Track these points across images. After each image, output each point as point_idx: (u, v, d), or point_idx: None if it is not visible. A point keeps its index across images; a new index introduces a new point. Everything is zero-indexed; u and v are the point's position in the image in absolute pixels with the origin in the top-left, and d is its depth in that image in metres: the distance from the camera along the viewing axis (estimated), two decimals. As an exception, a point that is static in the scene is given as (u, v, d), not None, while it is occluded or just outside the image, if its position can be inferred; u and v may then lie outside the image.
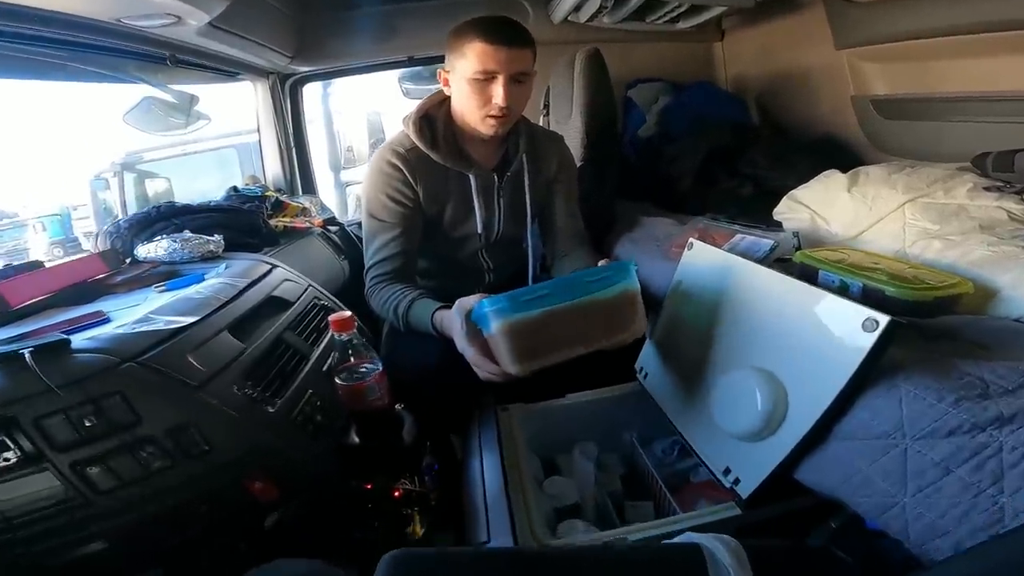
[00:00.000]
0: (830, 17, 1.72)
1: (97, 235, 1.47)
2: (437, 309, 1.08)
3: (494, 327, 0.83)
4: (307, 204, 2.11)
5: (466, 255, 1.36)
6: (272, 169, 2.40)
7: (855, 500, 0.68)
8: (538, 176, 1.35)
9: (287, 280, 1.19)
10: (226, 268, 1.16)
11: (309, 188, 2.46)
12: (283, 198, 2.04)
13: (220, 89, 2.28)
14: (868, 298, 0.84)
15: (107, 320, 0.91)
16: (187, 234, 1.32)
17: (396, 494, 1.01)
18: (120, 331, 0.78)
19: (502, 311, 0.82)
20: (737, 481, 0.81)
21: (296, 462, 0.82)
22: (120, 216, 4.03)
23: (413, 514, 1.07)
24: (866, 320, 0.66)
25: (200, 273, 1.14)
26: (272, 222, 1.83)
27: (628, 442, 1.19)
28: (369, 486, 0.90)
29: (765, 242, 1.05)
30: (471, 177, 1.25)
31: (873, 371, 0.67)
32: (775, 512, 0.79)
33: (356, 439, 0.88)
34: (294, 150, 2.40)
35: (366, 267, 1.25)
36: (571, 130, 1.71)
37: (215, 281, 1.06)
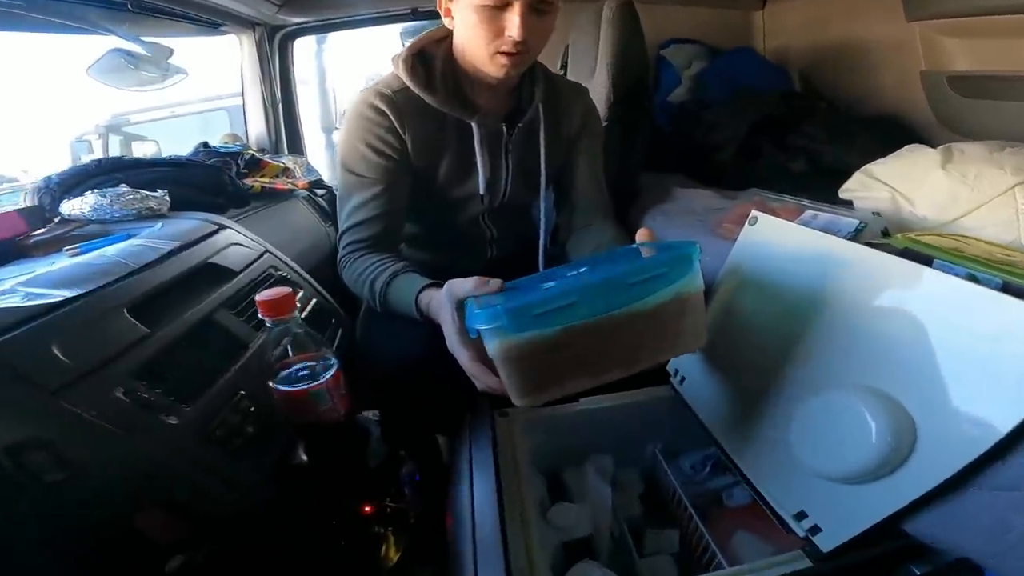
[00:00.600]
0: None
1: (26, 192, 1.23)
2: (424, 287, 0.85)
3: (492, 348, 0.59)
4: (290, 164, 1.88)
5: (464, 221, 1.13)
6: (256, 128, 2.18)
7: (1001, 566, 0.50)
8: (557, 131, 1.12)
9: (236, 244, 0.96)
10: (161, 228, 0.93)
11: (297, 149, 2.24)
12: (261, 156, 1.80)
13: (208, 48, 2.12)
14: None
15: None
16: (122, 188, 1.09)
17: (366, 510, 0.82)
18: None
19: (503, 329, 0.56)
20: (816, 530, 0.60)
21: (212, 490, 0.59)
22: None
23: (387, 535, 0.87)
24: None
25: (125, 234, 0.92)
26: (248, 182, 1.60)
27: (650, 454, 1.01)
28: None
29: (847, 221, 0.81)
30: (474, 126, 1.01)
31: None
32: (849, 563, 0.59)
33: (304, 458, 0.65)
34: (280, 107, 2.18)
35: (339, 232, 1.02)
36: (595, 87, 1.47)
37: (135, 243, 0.83)
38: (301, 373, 0.61)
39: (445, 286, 0.73)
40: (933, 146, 1.18)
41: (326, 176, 2.07)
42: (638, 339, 0.62)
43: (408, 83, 0.97)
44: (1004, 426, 0.46)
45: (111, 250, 0.79)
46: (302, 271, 1.05)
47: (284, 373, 0.60)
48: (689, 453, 0.98)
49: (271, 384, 0.59)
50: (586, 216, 1.17)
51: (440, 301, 0.75)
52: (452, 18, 0.96)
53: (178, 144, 4.22)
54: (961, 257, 0.67)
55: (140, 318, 0.66)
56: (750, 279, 0.78)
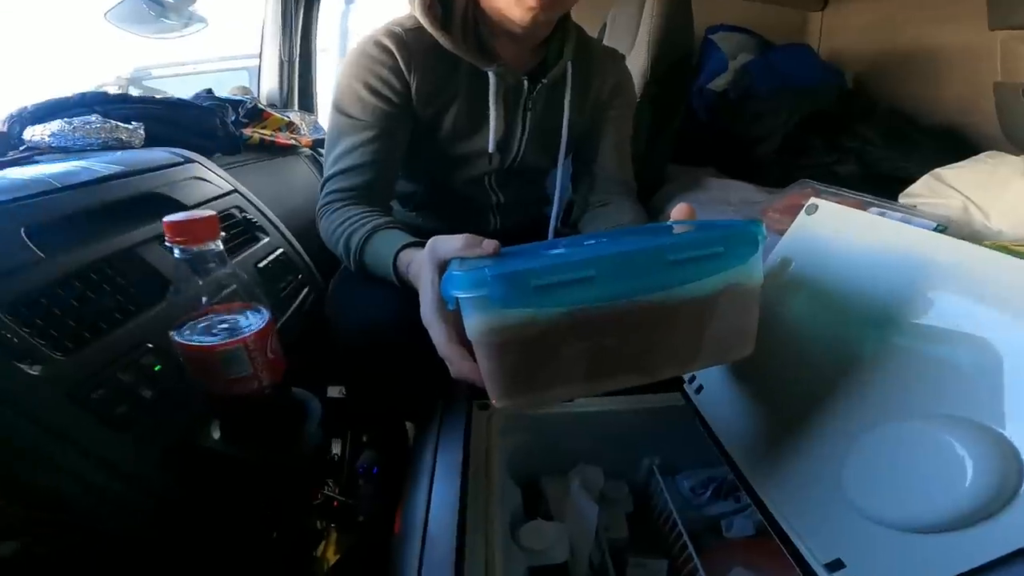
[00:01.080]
0: None
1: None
2: (405, 245, 0.72)
3: (471, 325, 0.42)
4: (296, 119, 1.75)
5: (467, 182, 0.99)
6: (269, 84, 2.08)
7: None
8: (585, 94, 0.98)
9: (199, 179, 0.82)
10: (118, 156, 0.81)
11: (307, 107, 2.14)
12: (265, 106, 1.68)
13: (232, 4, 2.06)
14: None
15: None
16: (91, 117, 0.97)
17: (299, 502, 0.75)
18: None
19: (488, 301, 0.39)
20: None
21: (72, 467, 0.45)
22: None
23: (329, 531, 0.76)
24: None
25: (76, 158, 0.80)
26: (247, 131, 1.49)
27: (645, 469, 0.90)
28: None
29: (921, 222, 0.66)
30: (491, 75, 0.88)
31: None
32: None
33: (216, 436, 0.52)
34: (297, 63, 2.09)
35: (322, 180, 0.89)
36: (631, 62, 1.33)
37: (72, 164, 0.70)
38: (221, 327, 0.48)
39: (428, 243, 0.59)
40: None
41: None
42: (669, 337, 0.45)
43: (422, 21, 0.85)
44: None
45: (41, 168, 0.66)
46: (275, 219, 0.92)
47: (195, 323, 0.47)
48: (690, 472, 0.88)
49: (173, 336, 0.46)
50: (605, 193, 1.03)
51: (421, 262, 0.61)
52: None
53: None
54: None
55: (40, 242, 0.53)
56: (802, 277, 0.63)
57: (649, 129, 1.29)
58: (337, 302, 0.84)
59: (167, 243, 0.45)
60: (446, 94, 0.89)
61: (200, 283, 0.47)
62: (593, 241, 0.58)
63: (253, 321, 0.49)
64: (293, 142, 1.63)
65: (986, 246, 0.57)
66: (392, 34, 0.84)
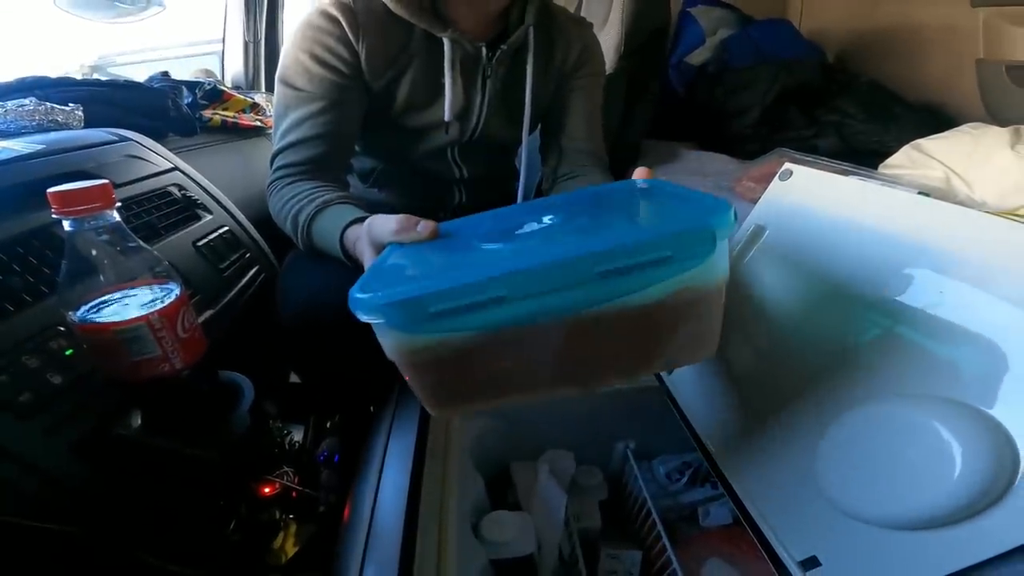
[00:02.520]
0: None
1: None
2: (353, 221, 0.67)
3: (383, 343, 0.39)
4: (261, 100, 1.68)
5: (427, 155, 0.94)
6: (233, 66, 2.04)
7: None
8: (549, 62, 0.94)
9: (135, 158, 0.77)
10: (47, 136, 0.76)
11: (273, 89, 2.06)
12: (225, 88, 1.61)
13: None
14: None
15: None
16: (25, 101, 0.91)
17: (266, 491, 0.70)
18: None
19: (390, 327, 0.37)
20: None
21: None
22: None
23: (287, 522, 0.72)
24: None
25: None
26: (206, 114, 1.42)
27: (620, 454, 0.86)
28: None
29: (905, 190, 0.62)
30: (445, 41, 0.83)
31: None
32: None
33: (134, 424, 0.47)
34: (263, 44, 2.03)
35: (271, 155, 0.84)
36: (605, 34, 1.30)
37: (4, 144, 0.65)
38: (122, 305, 0.42)
39: (366, 223, 0.55)
40: None
41: None
42: (611, 347, 0.40)
43: None
44: None
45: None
46: (223, 197, 0.86)
47: (95, 301, 0.42)
48: (666, 457, 0.85)
49: (69, 316, 0.41)
50: (574, 164, 0.98)
51: (364, 241, 0.57)
52: None
53: (169, 88, 4.07)
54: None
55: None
56: (776, 249, 0.58)
57: (624, 103, 1.25)
58: (284, 280, 0.79)
59: (54, 215, 0.39)
60: (399, 63, 0.85)
61: (96, 256, 0.41)
62: (531, 227, 0.48)
63: (158, 296, 0.44)
64: (258, 123, 1.57)
65: (1005, 214, 0.54)
66: (339, 3, 0.80)
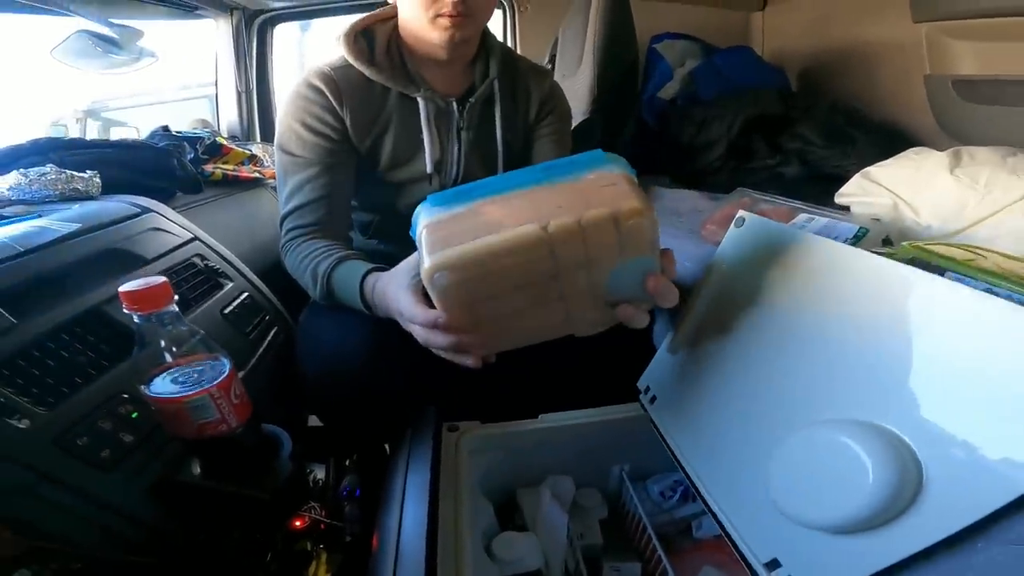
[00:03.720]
0: None
1: None
2: (370, 271, 0.76)
3: (421, 224, 0.55)
4: (258, 152, 1.77)
5: (415, 205, 1.02)
6: (228, 116, 2.10)
7: None
8: (515, 111, 1.03)
9: (158, 230, 0.85)
10: (76, 210, 0.83)
11: (269, 138, 2.14)
12: (225, 141, 1.69)
13: (189, 32, 2.07)
14: None
15: None
16: (47, 168, 0.98)
17: (297, 524, 0.74)
18: None
19: (427, 206, 0.56)
20: None
21: (65, 504, 0.49)
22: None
23: (318, 552, 0.77)
24: None
25: (36, 214, 0.82)
26: (207, 168, 1.50)
27: (615, 477, 0.93)
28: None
29: (846, 226, 0.71)
30: (420, 100, 0.92)
31: None
32: None
33: (195, 472, 0.55)
34: (255, 94, 2.10)
35: (280, 220, 0.92)
36: (579, 80, 1.40)
37: (32, 224, 0.73)
38: (186, 378, 0.50)
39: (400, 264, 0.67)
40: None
41: None
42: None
43: (348, 58, 0.90)
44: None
45: (6, 231, 0.68)
46: (238, 262, 0.94)
47: (161, 377, 0.50)
48: (658, 477, 0.91)
49: (143, 390, 0.49)
50: None
51: (388, 278, 0.68)
52: None
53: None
54: (977, 270, 0.58)
55: (10, 307, 0.56)
56: (733, 288, 0.67)
57: (600, 143, 1.31)
58: (304, 336, 0.87)
59: (125, 310, 0.48)
60: (379, 124, 0.94)
61: (161, 342, 0.50)
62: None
63: (216, 372, 0.52)
64: (256, 175, 1.65)
65: (914, 246, 0.63)
66: (322, 74, 0.89)
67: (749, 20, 2.23)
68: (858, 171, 1.11)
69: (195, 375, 0.51)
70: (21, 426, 0.48)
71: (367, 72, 0.90)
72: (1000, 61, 1.36)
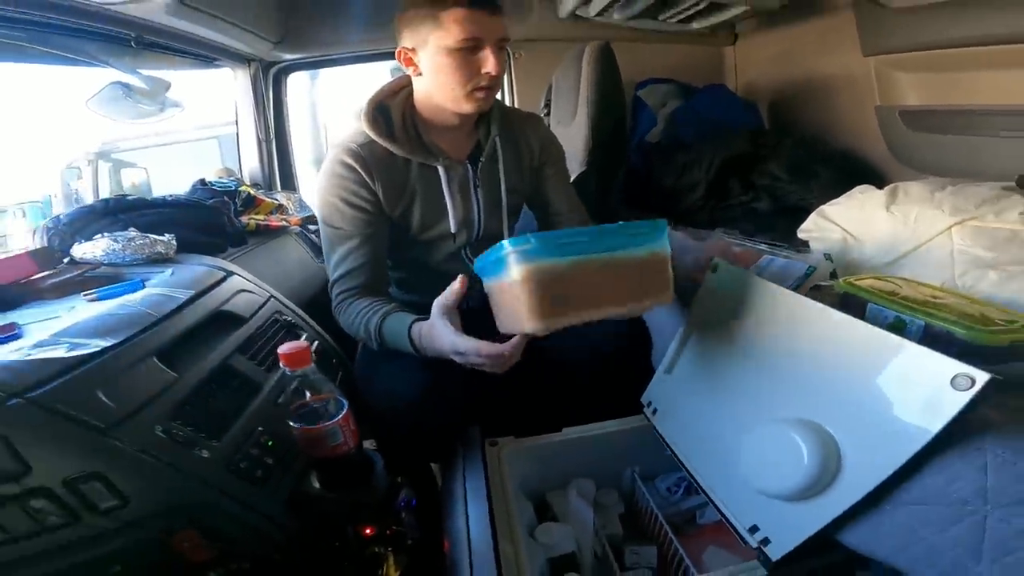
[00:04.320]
0: (860, 22, 1.61)
1: (35, 231, 1.28)
2: (414, 321, 0.93)
3: (516, 271, 0.69)
4: (284, 201, 1.95)
5: (445, 259, 1.18)
6: (249, 163, 2.25)
7: (914, 569, 0.59)
8: (518, 162, 1.19)
9: (244, 291, 1.03)
10: (172, 275, 1.00)
11: (289, 184, 2.31)
12: (256, 193, 1.87)
13: (200, 77, 2.13)
14: (931, 339, 0.71)
15: (17, 335, 0.76)
16: (131, 232, 1.14)
17: (367, 532, 0.88)
18: (12, 357, 0.63)
19: (529, 253, 0.68)
20: (766, 541, 0.69)
21: (236, 515, 0.67)
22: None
23: (386, 555, 0.95)
24: (958, 377, 0.53)
25: (139, 280, 0.98)
26: (243, 219, 1.68)
27: (629, 478, 1.09)
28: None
29: (799, 265, 0.91)
30: (440, 169, 1.08)
31: (957, 432, 0.56)
32: (805, 569, 0.70)
33: (316, 485, 0.73)
34: (274, 143, 2.26)
35: (330, 283, 1.08)
36: (575, 131, 1.58)
37: (152, 291, 0.90)
38: (316, 414, 0.69)
39: (433, 306, 0.87)
40: (889, 181, 1.25)
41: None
42: (628, 281, 0.73)
43: (371, 135, 1.04)
44: (909, 450, 0.56)
45: (134, 299, 0.86)
46: (304, 315, 1.13)
47: (301, 412, 0.69)
48: (664, 476, 1.07)
49: (291, 423, 0.67)
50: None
51: (431, 323, 0.87)
52: (415, 66, 1.02)
53: (167, 171, 4.31)
54: (893, 301, 0.78)
55: (168, 363, 0.75)
56: (712, 322, 0.88)
57: (596, 190, 1.50)
58: (368, 378, 1.03)
59: (283, 365, 0.67)
60: (407, 194, 1.08)
61: (304, 388, 0.70)
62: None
63: (338, 408, 0.71)
64: (283, 223, 1.82)
65: (846, 282, 0.82)
66: (351, 152, 1.03)
67: (723, 55, 2.39)
68: (820, 203, 1.28)
69: (325, 410, 0.70)
70: (203, 455, 0.67)
71: (390, 147, 1.04)
72: (940, 92, 1.48)
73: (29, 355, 0.63)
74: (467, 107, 1.01)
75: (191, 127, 4.33)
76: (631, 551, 0.97)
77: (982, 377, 0.52)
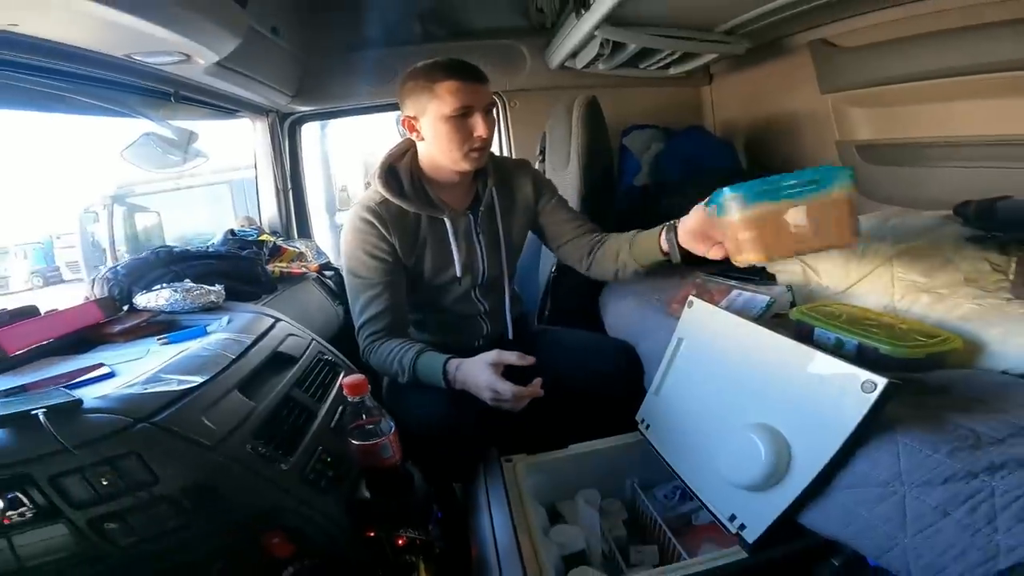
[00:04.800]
0: (816, 62, 1.75)
1: (93, 281, 1.41)
2: (449, 358, 1.10)
3: (737, 213, 0.88)
4: (303, 249, 2.11)
5: (455, 301, 1.35)
6: (268, 211, 2.40)
7: (858, 542, 0.72)
8: (515, 207, 1.35)
9: (291, 335, 1.19)
10: (229, 322, 1.15)
11: (305, 231, 2.47)
12: (280, 243, 2.04)
13: (214, 125, 2.26)
14: (863, 355, 0.88)
15: (112, 375, 0.91)
16: (188, 284, 1.30)
17: (400, 542, 1.00)
18: (131, 390, 0.79)
19: (746, 197, 0.87)
20: (743, 527, 0.83)
21: (309, 518, 0.82)
22: (107, 251, 4.04)
23: (417, 562, 1.05)
24: (865, 382, 0.70)
25: (202, 326, 1.14)
26: (269, 267, 1.83)
27: (630, 488, 1.21)
28: (371, 533, 0.91)
29: (761, 298, 1.08)
30: (446, 221, 1.25)
31: (872, 427, 0.71)
32: (779, 554, 0.83)
33: (367, 493, 0.89)
34: (291, 192, 2.42)
35: (357, 327, 1.24)
36: (568, 178, 1.74)
37: (221, 337, 1.06)
38: (371, 432, 0.86)
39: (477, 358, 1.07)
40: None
41: (331, 256, 2.28)
42: (824, 221, 0.88)
43: (385, 195, 1.21)
44: (837, 441, 0.72)
45: (209, 343, 1.02)
46: (340, 354, 1.28)
47: (358, 431, 0.86)
48: (662, 485, 1.20)
49: (351, 440, 0.84)
50: (588, 242, 1.38)
51: (476, 365, 1.06)
52: (417, 132, 1.20)
53: (179, 215, 4.49)
54: (835, 325, 0.95)
55: (246, 395, 0.91)
56: (689, 349, 1.05)
57: None
58: (399, 406, 1.16)
59: (346, 394, 0.84)
60: (419, 245, 1.25)
61: (361, 411, 0.86)
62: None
63: (388, 426, 0.87)
64: (304, 270, 1.99)
65: (800, 310, 0.98)
66: (370, 209, 1.21)
67: (700, 94, 2.56)
68: None
69: (378, 429, 0.86)
70: (283, 468, 0.83)
71: (401, 204, 1.21)
72: (888, 126, 1.61)
73: (146, 388, 0.79)
74: (465, 166, 1.19)
75: (205, 172, 4.52)
76: (635, 550, 1.09)
77: (882, 381, 0.68)
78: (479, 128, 1.15)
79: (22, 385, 0.86)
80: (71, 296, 1.39)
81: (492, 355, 1.06)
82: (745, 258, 0.91)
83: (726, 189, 0.87)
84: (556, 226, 1.40)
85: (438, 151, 1.19)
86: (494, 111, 1.20)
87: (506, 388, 1.01)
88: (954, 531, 0.63)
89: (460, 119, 1.14)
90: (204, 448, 0.75)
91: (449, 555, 1.04)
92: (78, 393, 0.76)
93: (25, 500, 0.65)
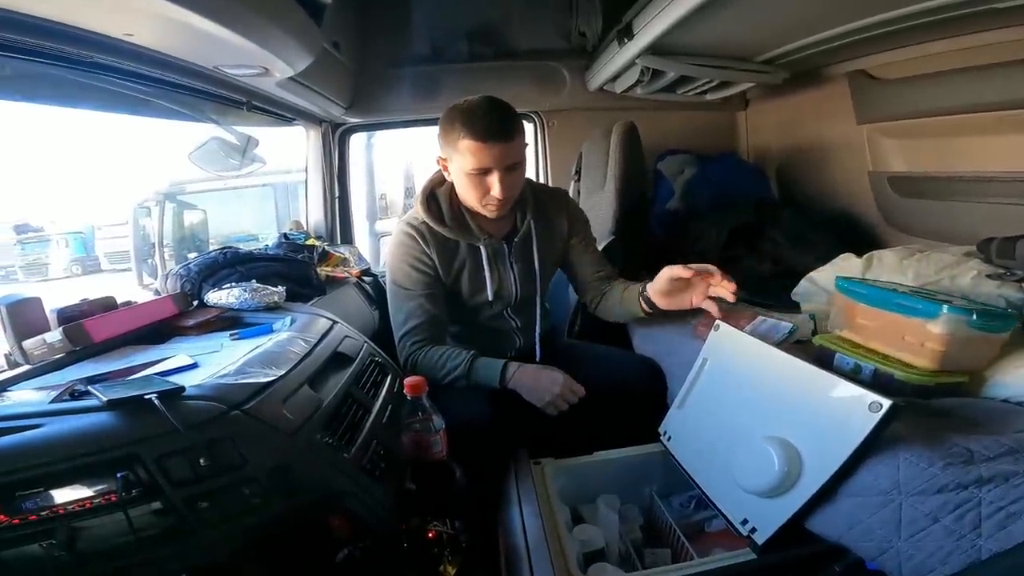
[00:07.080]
0: (853, 92, 1.78)
1: (167, 276, 1.53)
2: (507, 363, 1.22)
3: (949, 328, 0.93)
4: (347, 254, 2.24)
5: (491, 318, 1.43)
6: (315, 215, 2.52)
7: (858, 545, 0.79)
8: (551, 237, 1.43)
9: (347, 337, 1.28)
10: (292, 323, 1.26)
11: (348, 237, 2.59)
12: (327, 248, 2.17)
13: (268, 131, 2.34)
14: (878, 380, 0.97)
15: (195, 365, 1.03)
16: (254, 284, 1.41)
17: (430, 535, 1.05)
18: (223, 380, 0.89)
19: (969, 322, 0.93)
20: (754, 530, 0.90)
21: (366, 504, 0.92)
22: (155, 245, 4.25)
23: (444, 555, 1.09)
24: (872, 403, 0.78)
25: (268, 325, 1.25)
26: (318, 270, 1.96)
27: (647, 496, 1.27)
28: (404, 526, 0.97)
29: (785, 325, 1.16)
30: (481, 247, 1.33)
31: (877, 442, 0.79)
32: (786, 557, 0.89)
33: (413, 485, 0.99)
34: (338, 199, 2.54)
35: (399, 335, 1.33)
36: (603, 201, 1.82)
37: (287, 335, 1.16)
38: (426, 428, 0.96)
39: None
40: (881, 244, 1.39)
41: (371, 262, 2.40)
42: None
43: (426, 220, 1.30)
44: (844, 454, 0.80)
45: (279, 340, 1.12)
46: (387, 357, 1.38)
47: (415, 426, 0.96)
48: (678, 494, 1.25)
49: (408, 432, 0.95)
50: (599, 287, 1.49)
51: (543, 367, 1.22)
52: (448, 171, 1.28)
53: (224, 213, 4.70)
54: (854, 352, 1.02)
55: (314, 389, 1.01)
56: (713, 369, 1.13)
57: (621, 256, 1.72)
58: (442, 409, 1.27)
59: (406, 393, 0.94)
60: (456, 267, 1.34)
61: (417, 408, 0.96)
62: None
63: (439, 423, 0.97)
64: (346, 274, 2.13)
65: (822, 337, 1.06)
66: (414, 227, 1.30)
67: (735, 120, 2.61)
68: (815, 265, 1.45)
69: (431, 426, 0.95)
70: (346, 456, 0.93)
71: (440, 229, 1.30)
72: (921, 159, 1.62)
73: (236, 380, 0.90)
74: (485, 214, 1.27)
75: (252, 174, 4.70)
76: (649, 552, 1.15)
77: (887, 403, 0.76)
78: (495, 189, 1.20)
79: (106, 372, 0.97)
80: (115, 286, 1.49)
81: (556, 369, 1.19)
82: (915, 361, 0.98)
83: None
84: (579, 266, 1.50)
85: (461, 195, 1.28)
86: (520, 166, 1.25)
87: (570, 380, 1.14)
88: (942, 535, 0.70)
89: (479, 176, 1.20)
90: (285, 435, 0.85)
91: (475, 548, 1.09)
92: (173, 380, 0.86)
93: (133, 477, 0.72)
